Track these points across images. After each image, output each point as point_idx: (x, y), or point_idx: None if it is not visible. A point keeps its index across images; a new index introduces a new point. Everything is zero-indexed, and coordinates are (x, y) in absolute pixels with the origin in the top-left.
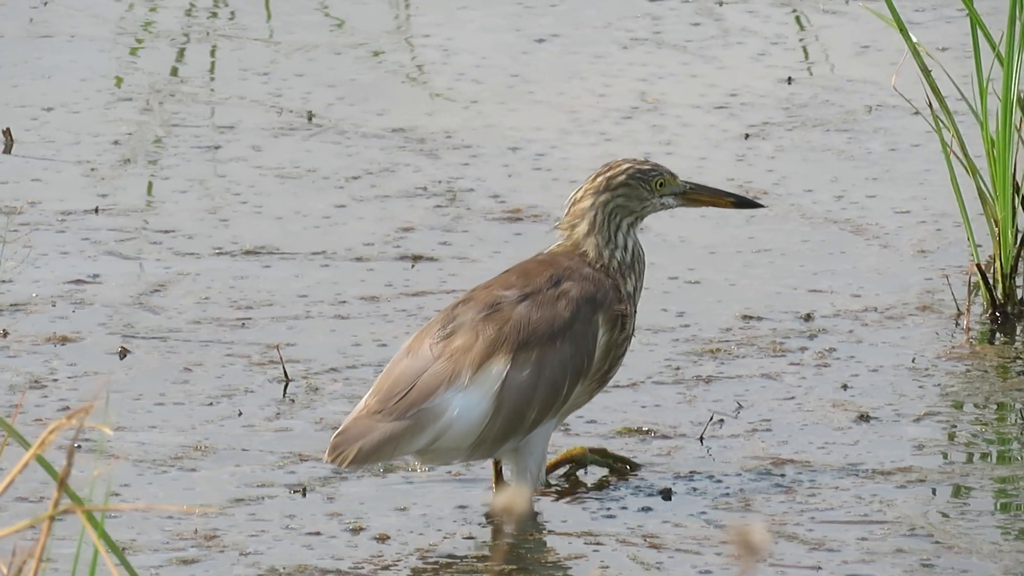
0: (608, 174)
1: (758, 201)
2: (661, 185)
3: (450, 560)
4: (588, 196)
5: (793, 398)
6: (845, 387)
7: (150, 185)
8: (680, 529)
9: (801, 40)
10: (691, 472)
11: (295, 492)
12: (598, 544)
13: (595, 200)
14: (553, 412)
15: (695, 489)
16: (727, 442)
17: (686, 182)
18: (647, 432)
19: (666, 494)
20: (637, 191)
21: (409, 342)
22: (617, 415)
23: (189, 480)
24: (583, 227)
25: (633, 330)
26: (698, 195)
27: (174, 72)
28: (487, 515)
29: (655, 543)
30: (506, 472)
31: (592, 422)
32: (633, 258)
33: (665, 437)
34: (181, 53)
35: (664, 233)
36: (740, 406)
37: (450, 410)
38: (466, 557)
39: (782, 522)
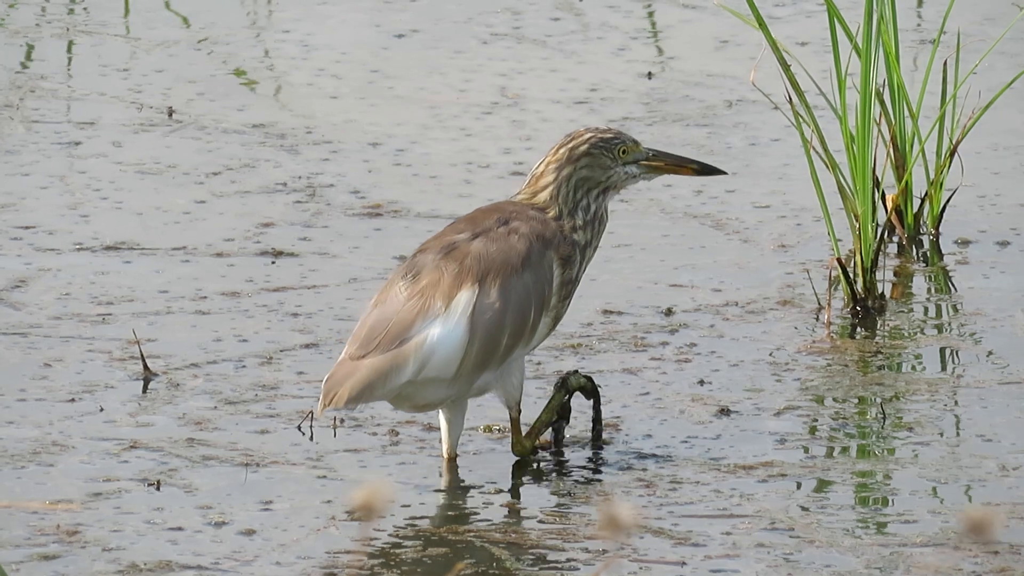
0: (570, 144)
1: (720, 168)
2: (624, 152)
3: (311, 556)
4: (550, 171)
5: (654, 393)
6: (701, 382)
7: (10, 181)
8: (543, 526)
9: (661, 35)
10: (554, 468)
11: (150, 486)
12: (462, 541)
13: (558, 175)
14: (524, 341)
15: (558, 485)
16: (584, 439)
17: (649, 149)
18: (501, 429)
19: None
20: (600, 160)
21: (374, 298)
22: (478, 412)
23: (47, 476)
24: (544, 196)
25: (579, 277)
26: (660, 162)
27: (32, 68)
28: (349, 512)
29: (518, 540)
30: (450, 431)
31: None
32: (594, 218)
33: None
34: (38, 49)
35: None
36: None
37: (430, 338)
38: (329, 552)
39: (645, 516)
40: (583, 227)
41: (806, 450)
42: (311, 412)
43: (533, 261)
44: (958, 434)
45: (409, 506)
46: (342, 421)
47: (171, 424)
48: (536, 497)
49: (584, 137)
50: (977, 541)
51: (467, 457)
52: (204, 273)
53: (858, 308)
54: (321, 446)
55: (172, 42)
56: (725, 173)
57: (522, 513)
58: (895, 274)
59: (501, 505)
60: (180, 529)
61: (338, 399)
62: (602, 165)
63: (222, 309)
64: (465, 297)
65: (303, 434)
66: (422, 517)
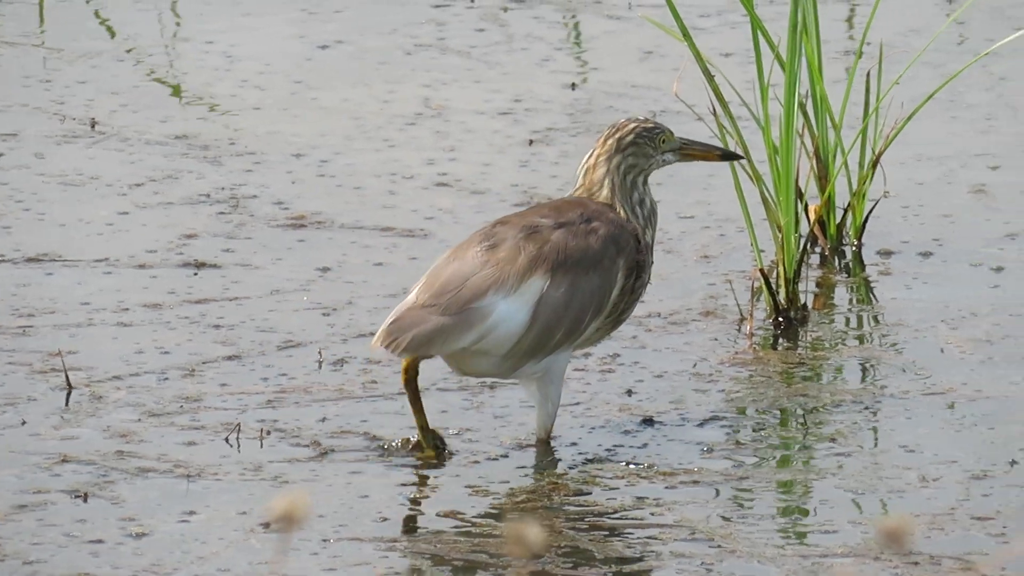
0: (617, 135)
1: (738, 153)
2: (663, 142)
3: (231, 568)
4: (602, 162)
5: (579, 403)
6: (630, 392)
7: None
8: (471, 537)
9: (585, 46)
10: (478, 477)
11: (77, 497)
12: (388, 551)
13: (609, 166)
14: (572, 340)
15: (477, 493)
16: (512, 447)
17: (680, 138)
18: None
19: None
20: (644, 149)
21: (450, 252)
22: (405, 420)
23: None
24: (605, 193)
25: (649, 278)
26: (691, 150)
27: None
28: (265, 524)
29: (443, 551)
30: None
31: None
32: (650, 212)
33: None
34: None
35: (448, 240)
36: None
37: (496, 312)
38: (249, 564)
39: (567, 525)
40: (646, 225)
41: (729, 460)
42: (238, 424)
43: (604, 266)
44: (880, 445)
45: (324, 516)
46: (268, 433)
47: (96, 437)
48: (467, 507)
49: (629, 127)
50: (893, 550)
51: (399, 468)
52: (126, 285)
53: (781, 319)
54: (246, 457)
55: (95, 53)
56: (742, 158)
57: (450, 522)
58: (818, 285)
59: (432, 515)
60: (101, 542)
61: (398, 344)
62: (645, 154)
63: (144, 321)
64: (536, 284)
65: (231, 446)
66: (346, 526)
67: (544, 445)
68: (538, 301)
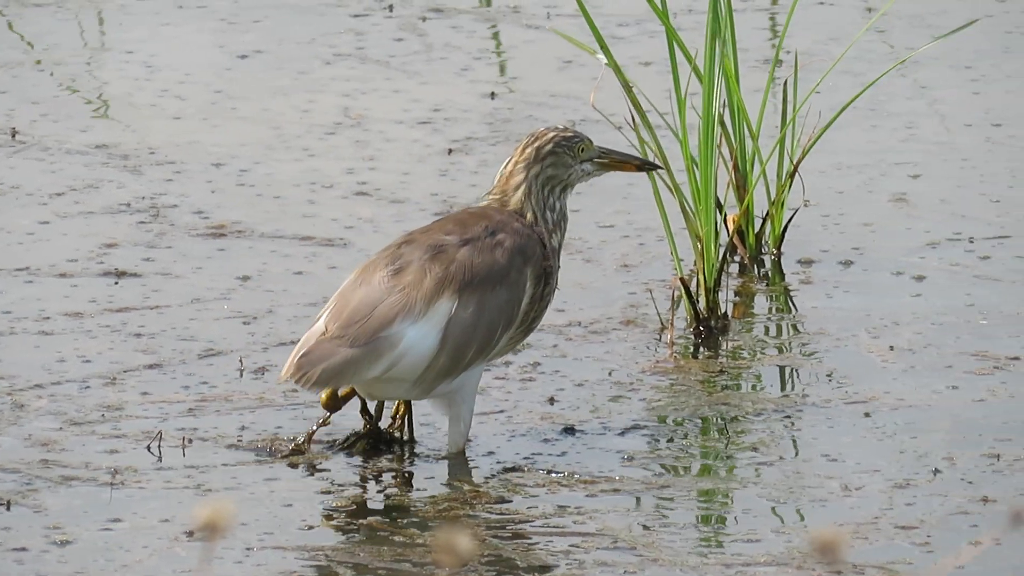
0: (536, 144)
1: (656, 163)
2: (582, 151)
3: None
4: (519, 170)
5: (502, 411)
6: (552, 401)
7: None
8: (393, 548)
9: (504, 55)
10: (401, 486)
11: (0, 505)
12: (310, 560)
13: (527, 174)
14: (484, 355)
15: (401, 502)
16: (436, 455)
17: (600, 147)
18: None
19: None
20: (563, 159)
21: (357, 274)
22: (321, 432)
23: None
24: (518, 197)
25: (557, 284)
26: (610, 158)
27: None
28: (189, 532)
29: (365, 560)
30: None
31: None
32: (560, 217)
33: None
34: None
35: (367, 249)
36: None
37: (405, 340)
38: (174, 571)
39: (489, 533)
40: (554, 230)
41: (650, 469)
42: (160, 432)
43: (511, 279)
44: (801, 454)
45: (248, 524)
46: (190, 441)
47: (18, 445)
48: (390, 516)
49: (548, 136)
50: (825, 562)
51: (321, 474)
52: (47, 294)
53: (701, 328)
54: (169, 465)
55: (15, 63)
56: (660, 168)
57: (374, 532)
58: (737, 294)
59: (356, 524)
60: (25, 550)
61: (308, 378)
62: (564, 163)
63: (65, 330)
64: (444, 307)
65: (152, 454)
66: (270, 534)
67: (457, 457)
68: (447, 323)
